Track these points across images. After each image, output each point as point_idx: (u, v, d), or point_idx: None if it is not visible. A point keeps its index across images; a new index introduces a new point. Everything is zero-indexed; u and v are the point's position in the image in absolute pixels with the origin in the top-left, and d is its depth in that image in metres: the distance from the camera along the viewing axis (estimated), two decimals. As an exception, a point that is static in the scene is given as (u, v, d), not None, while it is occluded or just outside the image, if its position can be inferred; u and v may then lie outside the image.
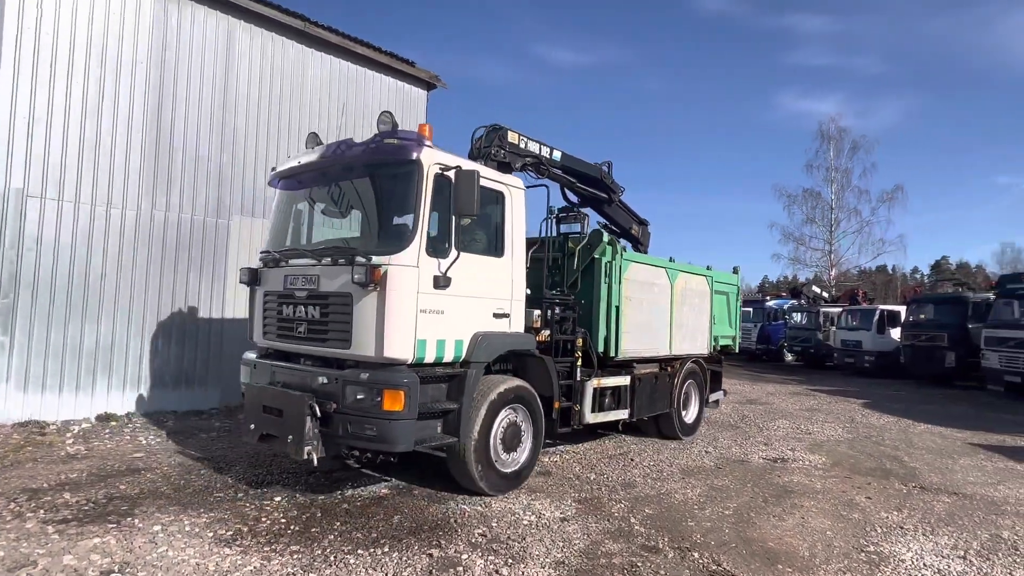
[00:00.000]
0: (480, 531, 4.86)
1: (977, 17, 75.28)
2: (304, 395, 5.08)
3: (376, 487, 5.92)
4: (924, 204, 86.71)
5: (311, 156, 5.94)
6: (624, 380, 7.54)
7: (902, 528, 5.29)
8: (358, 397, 4.93)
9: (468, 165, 5.55)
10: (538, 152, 6.82)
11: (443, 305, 5.33)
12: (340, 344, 5.22)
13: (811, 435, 9.57)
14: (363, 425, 4.92)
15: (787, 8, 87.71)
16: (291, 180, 6.29)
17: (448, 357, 5.43)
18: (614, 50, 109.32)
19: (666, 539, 4.84)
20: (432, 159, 5.29)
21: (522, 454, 6.01)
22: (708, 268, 9.70)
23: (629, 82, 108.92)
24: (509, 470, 5.88)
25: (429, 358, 5.26)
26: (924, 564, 4.55)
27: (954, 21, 76.27)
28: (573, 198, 8.25)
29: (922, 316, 19.99)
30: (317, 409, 4.98)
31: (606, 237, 7.44)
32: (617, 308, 7.39)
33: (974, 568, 4.52)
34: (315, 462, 5.07)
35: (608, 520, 5.23)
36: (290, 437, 5.03)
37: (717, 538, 4.89)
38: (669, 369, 8.57)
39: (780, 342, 26.06)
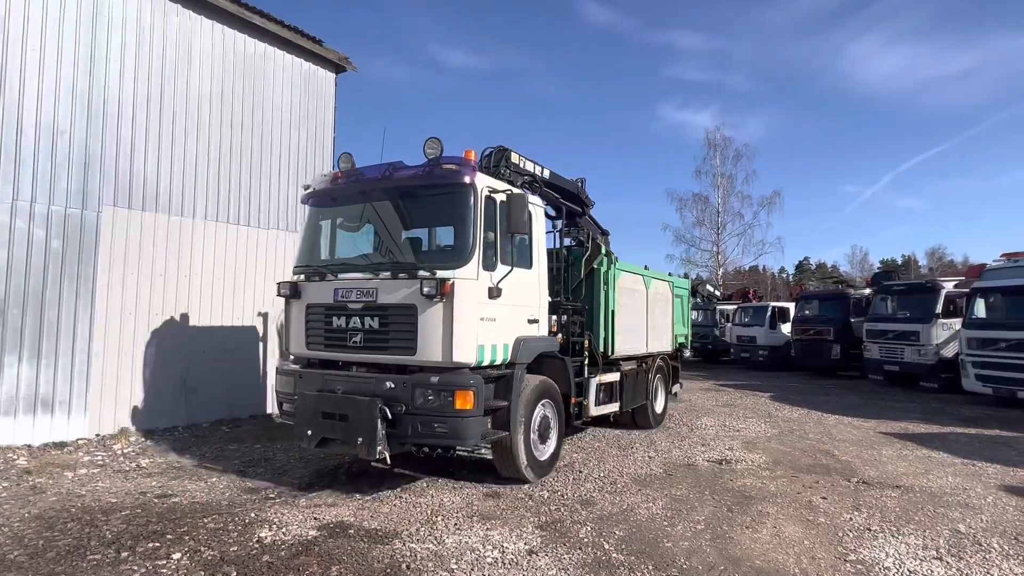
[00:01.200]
0: (440, 577, 4.11)
1: (828, 44, 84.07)
2: (374, 400, 5.39)
3: (301, 528, 4.95)
4: (786, 209, 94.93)
5: (354, 176, 6.31)
6: (615, 376, 8.36)
7: (870, 530, 5.17)
8: (428, 398, 5.38)
9: (516, 189, 6.26)
10: (533, 171, 7.23)
11: (495, 313, 5.84)
12: (404, 351, 5.64)
13: (740, 432, 9.62)
14: (432, 424, 5.37)
15: (668, 24, 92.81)
16: (325, 198, 6.55)
17: (498, 359, 5.92)
18: (508, 55, 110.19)
19: (650, 567, 4.34)
20: (483, 183, 5.88)
21: (551, 444, 6.67)
22: (669, 275, 10.91)
23: (524, 87, 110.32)
24: (543, 459, 6.51)
25: (486, 361, 5.77)
26: (908, 570, 4.38)
27: (809, 46, 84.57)
28: (551, 211, 8.42)
29: (807, 312, 21.43)
30: (388, 412, 5.36)
31: (603, 249, 8.23)
32: (613, 312, 8.20)
33: (953, 569, 4.41)
34: (387, 460, 5.62)
35: (580, 549, 4.65)
36: (359, 439, 5.36)
37: (702, 560, 4.47)
38: (643, 366, 9.42)
39: (680, 339, 27.05)
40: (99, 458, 7.20)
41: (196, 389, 9.01)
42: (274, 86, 10.24)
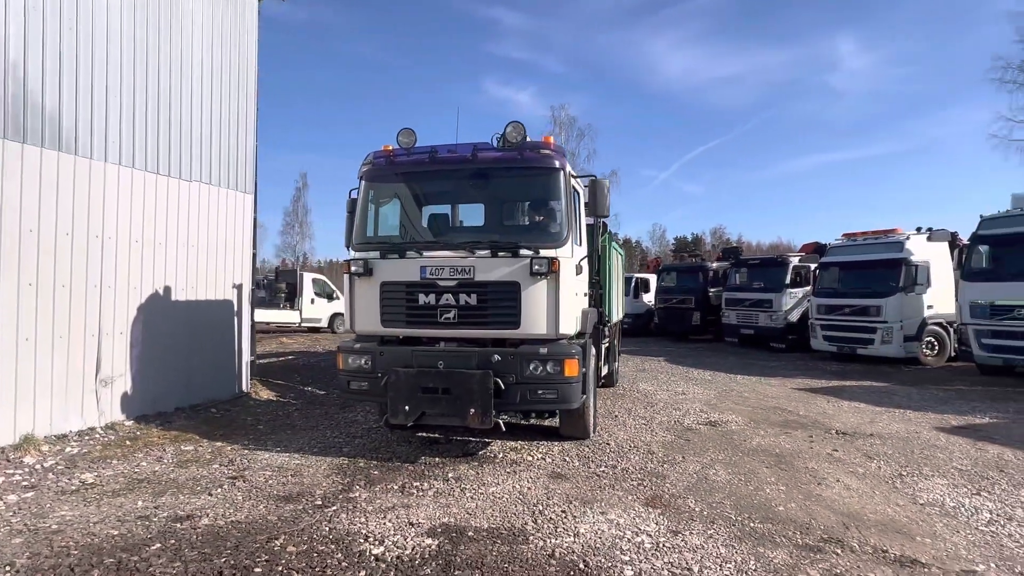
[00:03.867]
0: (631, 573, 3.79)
1: (631, 38, 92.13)
2: (487, 372, 5.60)
3: (406, 537, 4.21)
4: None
5: (425, 153, 6.16)
6: (607, 343, 9.10)
7: (903, 476, 5.87)
8: (537, 368, 5.70)
9: (599, 177, 6.57)
10: None
11: (578, 288, 6.32)
12: (506, 326, 5.83)
13: (687, 396, 10.30)
14: (538, 391, 5.70)
15: (494, 1, 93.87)
16: (388, 173, 6.33)
17: (576, 331, 6.29)
18: (326, 9, 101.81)
19: (795, 532, 4.45)
20: (568, 168, 6.15)
21: (592, 404, 7.06)
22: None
23: (343, 44, 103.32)
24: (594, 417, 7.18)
25: (574, 332, 6.17)
26: (973, 506, 5.03)
27: (616, 37, 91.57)
28: None
29: (663, 283, 23.59)
30: (500, 383, 5.62)
31: (609, 229, 8.82)
32: (612, 285, 9.15)
33: (996, 501, 5.15)
34: (502, 427, 5.96)
35: (713, 523, 4.61)
36: (471, 410, 5.56)
37: (831, 520, 4.69)
38: (611, 331, 10.14)
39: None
40: (17, 478, 5.38)
41: (112, 380, 7.13)
42: (187, 4, 8.26)
